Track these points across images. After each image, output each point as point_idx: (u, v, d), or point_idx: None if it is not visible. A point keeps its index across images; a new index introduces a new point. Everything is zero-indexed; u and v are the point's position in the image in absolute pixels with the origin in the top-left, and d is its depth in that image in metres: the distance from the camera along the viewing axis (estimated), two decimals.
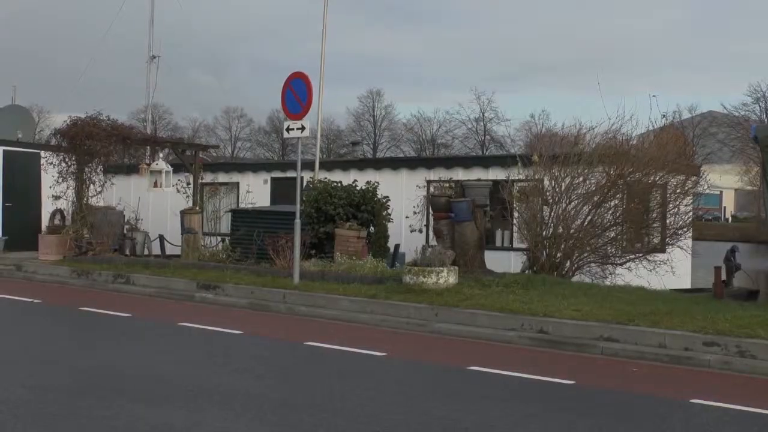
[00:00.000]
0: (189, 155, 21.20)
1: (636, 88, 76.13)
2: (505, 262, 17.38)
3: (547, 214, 15.73)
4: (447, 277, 13.40)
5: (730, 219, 71.51)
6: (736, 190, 71.71)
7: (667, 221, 16.95)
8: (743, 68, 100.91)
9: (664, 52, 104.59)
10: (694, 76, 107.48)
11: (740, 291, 17.53)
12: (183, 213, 19.06)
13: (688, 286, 19.33)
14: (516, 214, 16.79)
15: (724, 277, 16.55)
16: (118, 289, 15.93)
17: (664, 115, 18.93)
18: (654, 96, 17.57)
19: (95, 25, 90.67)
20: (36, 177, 21.29)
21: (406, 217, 18.47)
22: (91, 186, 19.24)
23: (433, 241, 17.06)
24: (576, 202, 15.64)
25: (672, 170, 16.57)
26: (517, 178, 16.73)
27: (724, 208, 74.08)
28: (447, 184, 17.85)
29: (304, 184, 18.26)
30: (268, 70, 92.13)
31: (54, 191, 19.15)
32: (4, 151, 21.59)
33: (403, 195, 19.53)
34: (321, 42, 20.28)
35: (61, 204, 19.91)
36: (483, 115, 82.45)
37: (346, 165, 22.96)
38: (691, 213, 17.56)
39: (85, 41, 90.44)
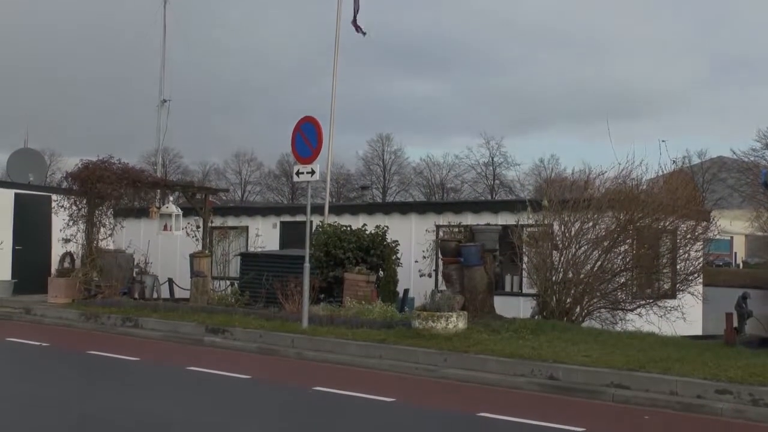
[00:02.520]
0: (199, 199, 21.27)
1: (646, 134, 76.38)
2: (514, 307, 17.30)
3: (557, 259, 15.68)
4: (456, 322, 13.34)
5: (741, 265, 71.05)
6: (746, 235, 71.33)
7: (678, 267, 16.87)
8: (753, 113, 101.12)
9: (674, 98, 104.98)
10: (703, 122, 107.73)
11: (752, 338, 17.36)
12: (192, 256, 19.08)
13: (699, 332, 19.18)
14: (525, 259, 16.74)
15: (735, 323, 16.41)
16: (126, 332, 15.89)
17: (673, 161, 18.95)
18: (663, 141, 17.62)
19: (108, 69, 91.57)
20: (46, 220, 21.36)
21: (416, 261, 18.43)
22: (102, 229, 19.30)
23: (442, 286, 17.00)
24: (586, 247, 15.60)
25: (682, 215, 16.53)
26: (526, 222, 16.72)
27: (735, 253, 73.68)
28: (456, 229, 17.83)
29: (314, 228, 18.27)
30: (278, 114, 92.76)
31: (64, 234, 19.22)
32: (15, 194, 21.71)
33: (413, 239, 19.52)
34: (331, 86, 20.42)
35: (71, 247, 19.96)
36: (492, 160, 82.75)
37: (355, 209, 22.98)
38: (701, 259, 17.47)
39: (97, 85, 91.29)
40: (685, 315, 16.38)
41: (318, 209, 20.59)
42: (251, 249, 22.11)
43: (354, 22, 20.30)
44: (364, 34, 20.45)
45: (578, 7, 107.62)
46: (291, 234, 22.29)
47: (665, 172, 18.52)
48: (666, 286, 17.23)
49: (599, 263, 15.54)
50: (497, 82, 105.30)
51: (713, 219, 18.55)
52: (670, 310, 16.10)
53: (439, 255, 17.40)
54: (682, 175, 21.23)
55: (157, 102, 24.58)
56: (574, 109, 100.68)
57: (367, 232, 17.43)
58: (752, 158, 70.71)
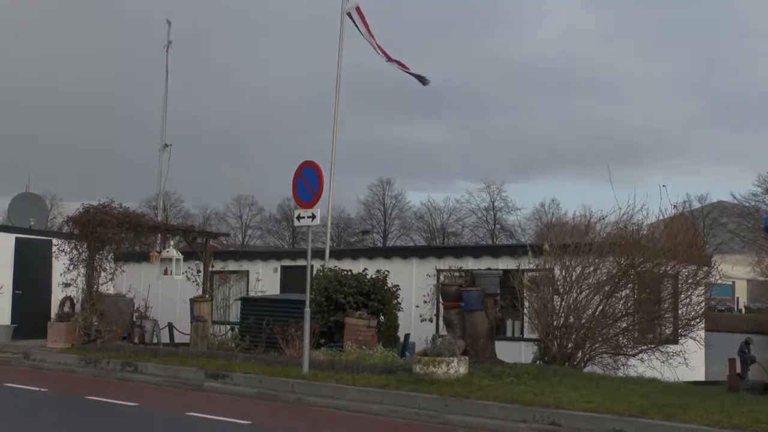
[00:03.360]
0: (199, 243, 21.29)
1: (646, 178, 76.48)
2: (515, 352, 17.23)
3: (558, 303, 15.65)
4: (457, 367, 13.28)
5: (743, 310, 70.83)
6: (748, 280, 71.20)
7: (680, 312, 16.82)
8: (753, 157, 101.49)
9: (674, 143, 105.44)
10: (703, 165, 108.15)
11: (756, 384, 17.30)
12: (193, 301, 19.05)
13: (702, 378, 19.07)
14: (527, 304, 16.71)
15: (739, 369, 16.34)
16: (126, 377, 15.81)
17: (674, 205, 18.94)
18: (664, 186, 17.59)
19: (109, 114, 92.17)
20: (47, 264, 21.37)
21: (416, 306, 18.39)
22: (102, 273, 19.30)
23: (443, 331, 16.95)
24: (587, 291, 15.58)
25: (683, 260, 16.52)
26: (527, 267, 16.71)
27: (737, 298, 73.45)
28: (457, 274, 17.83)
29: (314, 272, 18.26)
30: (280, 157, 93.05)
31: (64, 278, 19.20)
32: (16, 238, 21.75)
33: (414, 284, 19.50)
34: (332, 130, 20.54)
35: (72, 291, 19.93)
36: (493, 204, 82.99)
37: (356, 254, 22.99)
38: (703, 304, 17.43)
39: (99, 130, 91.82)
40: (688, 360, 16.30)
41: (319, 253, 20.59)
42: (252, 293, 22.08)
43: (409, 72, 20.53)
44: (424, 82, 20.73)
45: (578, 49, 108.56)
46: (292, 278, 22.26)
47: (666, 216, 18.54)
48: (668, 331, 17.16)
49: (601, 308, 15.51)
50: (497, 125, 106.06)
51: (714, 264, 18.53)
52: (673, 355, 16.03)
53: (440, 300, 17.38)
54: (683, 219, 21.24)
55: (158, 146, 24.69)
56: (575, 153, 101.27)
57: (368, 277, 17.42)
58: (752, 203, 70.96)
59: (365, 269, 18.26)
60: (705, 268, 17.46)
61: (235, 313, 21.27)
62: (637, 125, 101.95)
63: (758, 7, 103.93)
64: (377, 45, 20.36)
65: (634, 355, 16.03)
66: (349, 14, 20.28)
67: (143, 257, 22.30)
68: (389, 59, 20.45)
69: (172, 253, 20.18)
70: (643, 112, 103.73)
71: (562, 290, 15.66)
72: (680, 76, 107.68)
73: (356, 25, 20.33)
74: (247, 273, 23.83)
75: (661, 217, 18.18)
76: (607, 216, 16.79)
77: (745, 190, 67.55)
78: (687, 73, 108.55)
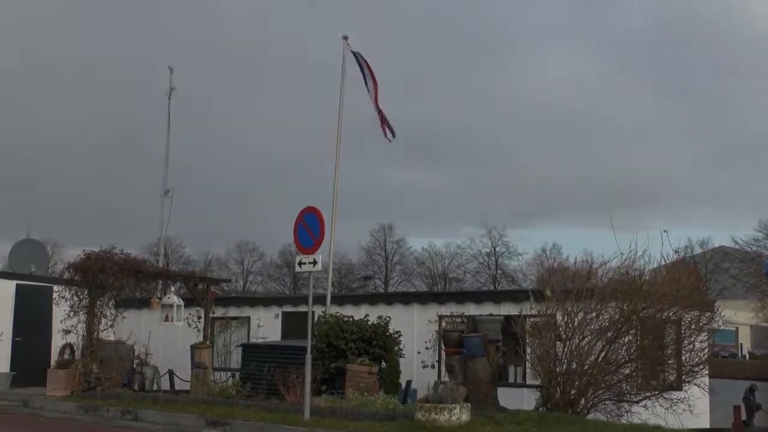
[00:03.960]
0: (200, 289, 21.27)
1: (648, 223, 76.61)
2: (518, 398, 17.11)
3: (561, 349, 15.58)
4: (459, 414, 13.18)
5: (747, 356, 70.43)
6: (752, 326, 70.91)
7: (683, 358, 16.73)
8: (754, 200, 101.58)
9: (676, 188, 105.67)
10: (704, 210, 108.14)
11: (761, 431, 17.14)
12: (193, 347, 18.98)
13: (707, 425, 18.91)
14: (529, 350, 16.63)
15: (743, 416, 16.21)
16: (125, 425, 15.69)
17: (676, 250, 18.96)
18: (665, 231, 17.60)
19: (111, 160, 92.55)
20: (47, 311, 21.32)
21: (418, 352, 18.31)
22: (102, 320, 19.25)
23: (445, 377, 16.86)
24: (589, 337, 15.51)
25: (686, 306, 16.48)
26: (529, 313, 16.67)
27: (741, 344, 73.03)
28: (459, 319, 17.79)
29: (316, 318, 18.22)
30: (281, 202, 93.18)
31: (65, 325, 19.15)
32: (17, 285, 21.72)
33: (415, 330, 19.44)
34: (333, 176, 20.62)
35: (72, 338, 19.86)
36: (494, 250, 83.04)
37: (357, 299, 22.95)
38: (706, 350, 17.33)
39: (101, 175, 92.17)
40: (692, 407, 16.16)
41: (320, 299, 20.56)
42: (253, 340, 22.00)
43: (383, 126, 20.72)
44: (393, 137, 20.88)
45: (580, 92, 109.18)
46: (293, 324, 22.20)
47: (668, 262, 18.53)
48: (671, 378, 17.06)
49: (603, 354, 15.43)
50: (498, 169, 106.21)
51: (717, 309, 18.47)
52: (677, 402, 15.90)
53: (442, 346, 17.31)
54: (685, 265, 21.25)
55: (160, 192, 24.78)
56: (576, 198, 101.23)
57: (370, 323, 17.37)
58: (754, 248, 70.92)
59: (367, 315, 18.22)
60: (708, 314, 17.39)
61: (236, 359, 21.18)
62: (638, 169, 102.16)
63: (757, 48, 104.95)
64: (374, 88, 20.55)
65: (637, 402, 15.91)
66: (354, 54, 20.48)
67: (144, 303, 22.26)
68: (376, 107, 20.68)
69: (173, 299, 20.15)
70: (644, 157, 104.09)
71: (564, 336, 15.59)
72: (681, 120, 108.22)
73: (359, 63, 20.51)
74: (248, 319, 23.77)
75: (663, 263, 18.16)
76: (608, 261, 16.79)
77: (746, 235, 67.48)
78: (688, 116, 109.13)
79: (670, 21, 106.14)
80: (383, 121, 20.70)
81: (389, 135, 20.83)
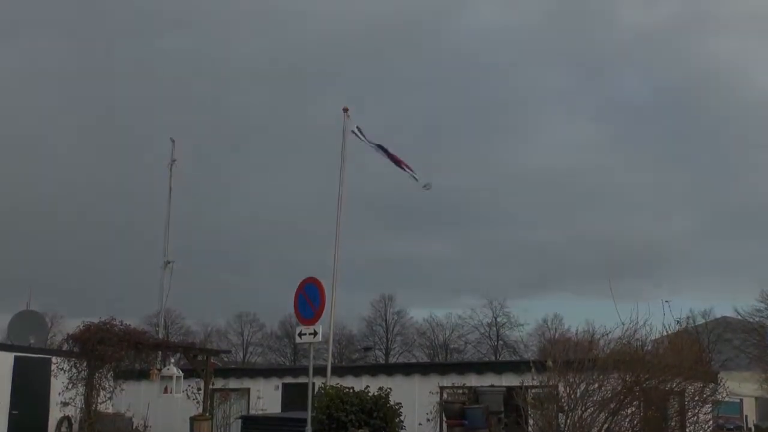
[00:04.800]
0: (200, 360, 21.13)
1: (649, 293, 76.30)
2: None
3: (563, 421, 15.42)
4: None
5: (752, 428, 69.53)
6: (756, 398, 70.16)
7: (687, 430, 16.56)
8: (756, 271, 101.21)
9: (677, 257, 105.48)
10: (706, 280, 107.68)
11: None
12: (193, 420, 18.80)
13: None
14: (531, 422, 16.45)
15: None
16: None
17: (678, 321, 18.86)
18: (667, 301, 17.57)
19: (111, 230, 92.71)
20: (45, 383, 21.14)
21: (419, 424, 18.13)
22: (101, 392, 19.08)
23: None
24: (592, 409, 15.35)
25: (689, 377, 16.37)
26: (531, 384, 16.54)
27: (746, 416, 72.10)
28: (460, 391, 17.66)
29: (316, 390, 18.07)
30: (282, 272, 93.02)
31: (63, 397, 18.98)
32: (15, 357, 21.57)
33: (416, 401, 19.26)
34: (334, 246, 20.63)
35: (70, 411, 19.67)
36: (496, 320, 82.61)
37: (358, 371, 22.82)
38: (711, 421, 17.17)
39: (100, 246, 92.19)
40: None
41: (320, 371, 20.41)
42: (253, 411, 21.80)
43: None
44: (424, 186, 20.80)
45: (581, 160, 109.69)
46: (293, 396, 22.03)
47: (670, 332, 18.47)
48: None
49: (606, 426, 15.26)
50: (499, 238, 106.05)
51: (721, 380, 18.35)
52: None
53: (443, 417, 17.14)
54: (688, 335, 21.15)
55: (160, 263, 24.81)
56: (577, 267, 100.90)
57: (370, 395, 17.23)
58: (757, 319, 70.57)
59: (367, 386, 18.07)
60: (711, 385, 17.28)
61: (236, 431, 20.94)
62: (639, 237, 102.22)
63: (758, 119, 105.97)
64: (385, 151, 20.64)
65: None
66: (353, 131, 20.68)
67: (143, 375, 22.10)
68: (399, 163, 20.64)
69: (173, 370, 20.01)
70: (645, 224, 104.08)
71: (566, 408, 15.44)
72: (682, 188, 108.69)
73: (360, 136, 20.69)
74: (248, 391, 23.58)
75: (665, 333, 18.11)
76: (610, 332, 16.73)
77: (749, 305, 67.12)
78: (689, 184, 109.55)
79: (671, 90, 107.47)
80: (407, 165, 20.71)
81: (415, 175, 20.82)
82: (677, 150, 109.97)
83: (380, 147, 20.68)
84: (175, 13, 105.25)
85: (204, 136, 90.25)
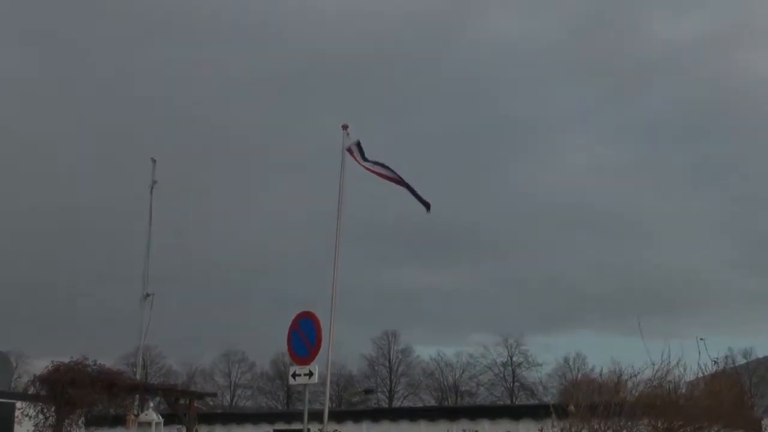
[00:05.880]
0: (182, 404, 21.02)
1: (681, 330, 76.11)
2: None
3: None
4: None
5: None
6: None
7: None
8: None
9: (712, 290, 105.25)
10: (746, 316, 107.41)
11: None
12: None
13: None
14: None
15: None
16: None
17: (715, 361, 18.75)
18: (702, 339, 17.46)
19: (86, 261, 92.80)
20: (8, 431, 21.04)
21: None
22: None
23: None
24: None
25: (728, 423, 16.25)
26: (551, 430, 16.44)
27: None
28: None
29: None
30: (273, 306, 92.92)
31: None
32: None
33: None
34: (332, 277, 20.55)
35: None
36: (511, 360, 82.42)
37: (358, 415, 22.73)
38: None
39: (73, 279, 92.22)
40: None
41: (316, 415, 20.27)
42: None
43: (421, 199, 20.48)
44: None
45: (604, 186, 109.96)
46: None
47: (706, 373, 18.36)
48: None
49: None
50: (515, 270, 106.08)
51: (765, 427, 18.24)
52: None
53: None
54: (726, 377, 21.00)
55: (139, 296, 24.75)
56: (602, 301, 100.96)
57: None
58: None
59: None
60: None
61: None
62: (670, 270, 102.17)
63: None
64: (381, 173, 20.47)
65: None
66: (349, 149, 20.60)
67: (118, 421, 21.99)
68: (398, 181, 20.42)
69: (152, 416, 19.88)
70: (676, 255, 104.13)
71: None
72: (717, 214, 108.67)
73: (355, 155, 20.62)
74: None
75: (701, 374, 18.00)
76: (639, 373, 16.63)
77: None
78: (725, 210, 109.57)
79: (701, 107, 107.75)
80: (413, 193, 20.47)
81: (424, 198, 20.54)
82: (710, 172, 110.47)
83: (382, 165, 20.48)
84: (163, 23, 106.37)
85: (189, 155, 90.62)
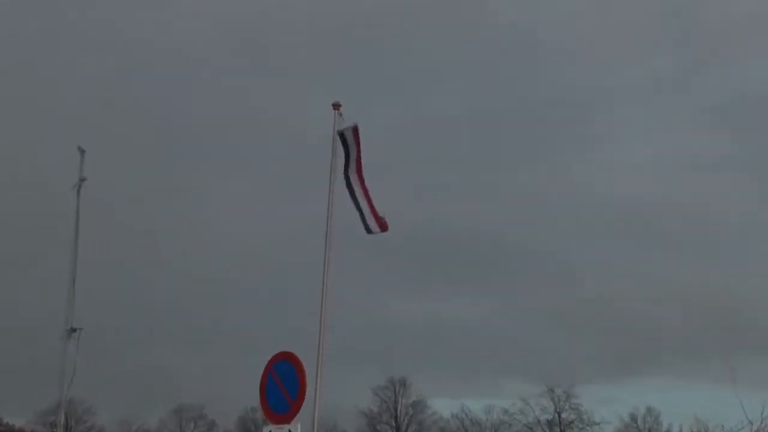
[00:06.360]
0: None
1: None
2: None
3: None
4: None
5: None
6: None
7: None
8: None
9: None
10: None
11: None
12: None
13: None
14: None
15: None
16: None
17: None
18: None
19: None
20: None
21: None
22: None
23: None
24: None
25: None
26: None
27: None
28: None
29: None
30: (241, 347, 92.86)
31: None
32: None
33: None
34: (320, 305, 20.45)
35: None
36: (559, 417, 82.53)
37: None
38: None
39: None
40: None
41: None
42: None
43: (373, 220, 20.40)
44: (379, 231, 20.45)
45: (670, 180, 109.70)
46: None
47: None
48: None
49: None
50: (562, 297, 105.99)
51: None
52: None
53: None
54: None
55: (61, 332, 24.64)
56: (678, 338, 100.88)
57: None
58: None
59: None
60: None
61: None
62: (759, 293, 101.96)
63: None
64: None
65: None
66: (355, 132, 20.52)
67: None
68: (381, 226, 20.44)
69: None
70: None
71: None
72: None
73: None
74: None
75: None
76: None
77: None
78: None
79: None
80: (370, 205, 20.40)
81: (373, 226, 20.46)
82: None
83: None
84: None
85: (128, 145, 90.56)
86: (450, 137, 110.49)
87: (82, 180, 25.38)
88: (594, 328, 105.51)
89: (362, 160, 20.47)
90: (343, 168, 20.41)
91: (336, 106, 20.94)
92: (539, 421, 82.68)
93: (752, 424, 16.24)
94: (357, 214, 20.40)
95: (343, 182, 20.41)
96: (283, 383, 14.69)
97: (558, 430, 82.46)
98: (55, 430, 30.86)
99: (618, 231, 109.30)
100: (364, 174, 20.46)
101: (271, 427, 14.76)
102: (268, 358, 14.99)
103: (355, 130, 20.73)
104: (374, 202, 20.41)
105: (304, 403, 14.87)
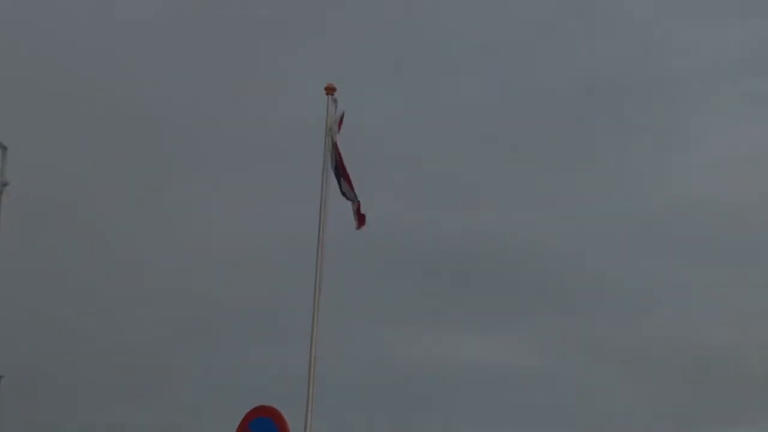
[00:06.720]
0: None
1: None
2: None
3: None
4: None
5: None
6: None
7: None
8: None
9: None
10: None
11: None
12: None
13: None
14: None
15: None
16: None
17: None
18: None
19: None
20: None
21: None
22: None
23: None
24: None
25: None
26: None
27: None
28: None
29: None
30: (208, 399, 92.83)
31: None
32: None
33: None
34: (311, 339, 20.14)
35: None
36: None
37: None
38: None
39: None
40: None
41: None
42: None
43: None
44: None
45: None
46: None
47: None
48: None
49: None
50: (620, 334, 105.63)
51: None
52: None
53: None
54: None
55: None
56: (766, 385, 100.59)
57: None
58: None
59: None
60: None
61: None
62: None
63: None
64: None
65: None
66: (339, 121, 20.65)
67: None
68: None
69: None
70: None
71: None
72: None
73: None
74: None
75: None
76: None
77: None
78: None
79: None
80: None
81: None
82: None
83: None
84: None
85: (63, 137, 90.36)
86: (478, 131, 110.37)
87: (4, 185, 25.05)
88: (665, 372, 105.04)
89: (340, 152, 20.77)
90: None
91: (329, 90, 20.95)
92: None
93: None
94: (351, 214, 20.77)
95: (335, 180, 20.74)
96: None
97: None
98: None
99: (695, 239, 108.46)
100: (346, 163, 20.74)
101: None
102: (244, 413, 14.64)
103: (341, 118, 20.98)
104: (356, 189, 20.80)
105: None
